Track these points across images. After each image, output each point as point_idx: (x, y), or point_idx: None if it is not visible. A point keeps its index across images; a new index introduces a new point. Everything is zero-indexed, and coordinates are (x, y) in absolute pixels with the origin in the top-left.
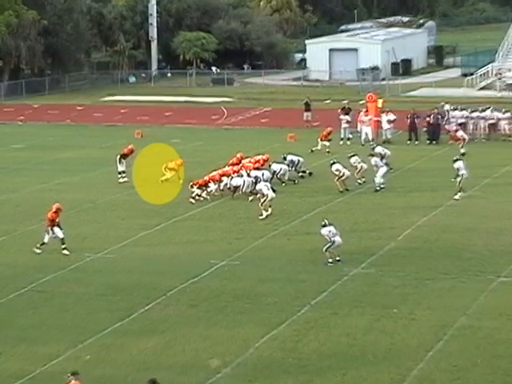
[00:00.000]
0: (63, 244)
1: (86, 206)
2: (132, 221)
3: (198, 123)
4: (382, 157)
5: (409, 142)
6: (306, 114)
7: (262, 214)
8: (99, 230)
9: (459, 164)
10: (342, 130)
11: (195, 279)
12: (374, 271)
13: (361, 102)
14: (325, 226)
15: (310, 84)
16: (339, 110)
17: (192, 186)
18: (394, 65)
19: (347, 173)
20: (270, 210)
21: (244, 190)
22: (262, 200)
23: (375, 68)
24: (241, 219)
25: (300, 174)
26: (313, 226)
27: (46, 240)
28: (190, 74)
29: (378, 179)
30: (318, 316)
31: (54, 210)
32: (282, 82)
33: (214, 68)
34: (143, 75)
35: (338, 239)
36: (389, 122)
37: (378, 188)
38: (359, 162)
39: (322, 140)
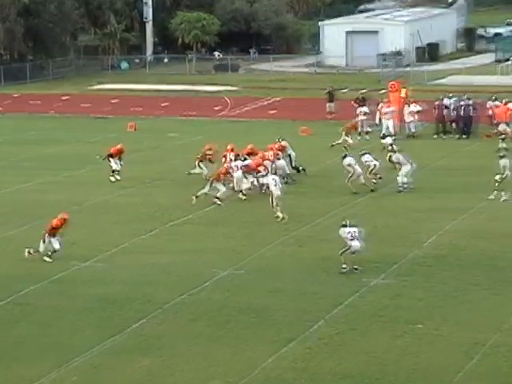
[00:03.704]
0: (50, 253)
1: (71, 208)
2: (124, 225)
3: (198, 115)
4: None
5: (435, 136)
6: (328, 104)
7: (277, 216)
8: (87, 236)
9: (505, 162)
10: (359, 123)
11: (195, 291)
12: (396, 282)
13: (382, 92)
14: (345, 226)
15: (325, 71)
16: (353, 102)
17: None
18: (420, 49)
19: (358, 170)
20: (279, 210)
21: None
22: (271, 198)
23: (398, 53)
24: (246, 223)
25: (298, 170)
26: (327, 231)
27: (41, 249)
28: (189, 60)
29: (401, 178)
30: (332, 332)
31: (61, 218)
32: (293, 68)
33: (216, 53)
34: (137, 61)
35: (355, 244)
36: (412, 113)
37: (401, 188)
38: (371, 160)
39: (347, 134)
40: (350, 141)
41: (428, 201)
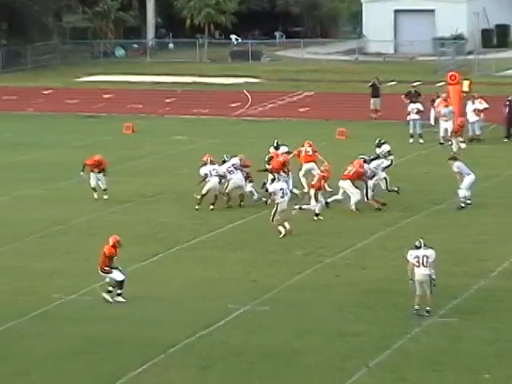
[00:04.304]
0: (120, 289)
1: (54, 228)
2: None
3: (211, 114)
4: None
5: (506, 139)
6: (373, 100)
7: (280, 232)
8: (73, 263)
9: None
10: (411, 124)
11: (207, 331)
12: (457, 321)
13: (439, 85)
14: (418, 247)
15: (369, 59)
16: (403, 96)
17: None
18: (486, 32)
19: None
20: (285, 227)
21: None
22: (273, 210)
23: (459, 37)
24: (271, 247)
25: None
26: (371, 258)
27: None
28: (200, 46)
29: (464, 192)
30: (378, 382)
31: (110, 243)
32: (329, 56)
33: (233, 37)
34: (135, 47)
35: (421, 272)
36: (477, 112)
37: (462, 204)
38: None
39: (456, 135)
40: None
41: (496, 219)
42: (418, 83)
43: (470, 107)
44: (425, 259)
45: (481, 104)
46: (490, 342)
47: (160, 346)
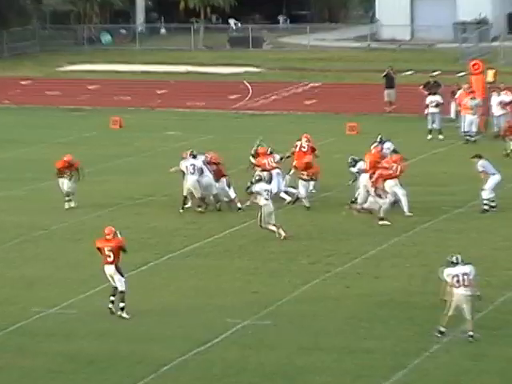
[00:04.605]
0: (122, 302)
1: (34, 233)
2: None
3: (207, 107)
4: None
5: None
6: (387, 92)
7: (279, 234)
8: (55, 272)
9: None
10: (430, 117)
11: (202, 348)
12: (481, 337)
13: (460, 75)
14: (454, 263)
15: (382, 46)
16: (421, 88)
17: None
18: None
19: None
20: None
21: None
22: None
23: (482, 22)
24: (273, 254)
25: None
26: (384, 266)
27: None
28: (195, 31)
29: (487, 193)
30: None
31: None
32: (338, 43)
33: (232, 21)
34: (123, 32)
35: (461, 292)
36: (503, 105)
37: (486, 207)
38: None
39: (506, 136)
40: None
41: None
42: (437, 73)
43: (494, 100)
44: (465, 278)
45: (507, 96)
46: None
47: (151, 365)
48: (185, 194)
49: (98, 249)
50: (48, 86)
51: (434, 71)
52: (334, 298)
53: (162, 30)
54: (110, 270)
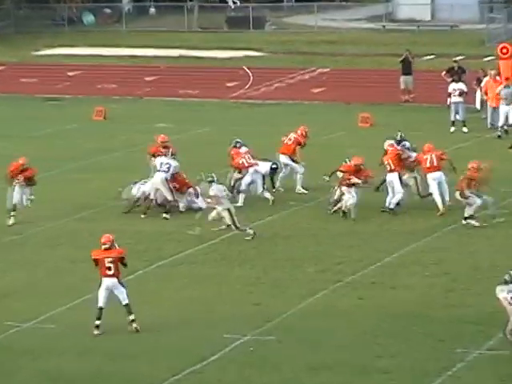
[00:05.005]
0: (131, 314)
1: (6, 238)
2: (87, 265)
3: (202, 95)
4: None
5: None
6: (403, 78)
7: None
8: (31, 282)
9: None
10: (453, 107)
11: (197, 366)
12: (510, 353)
13: (487, 59)
14: (508, 282)
15: (399, 27)
16: (444, 74)
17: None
18: None
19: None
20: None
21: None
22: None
23: None
24: (277, 262)
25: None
26: (401, 275)
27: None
28: (189, 11)
29: None
30: None
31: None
32: (350, 23)
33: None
34: (108, 12)
35: None
36: None
37: None
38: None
39: None
40: None
41: None
42: (460, 58)
43: None
44: None
45: None
46: None
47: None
48: (152, 195)
49: (95, 260)
50: (23, 73)
51: (458, 55)
52: (344, 310)
53: (152, 10)
54: (110, 283)
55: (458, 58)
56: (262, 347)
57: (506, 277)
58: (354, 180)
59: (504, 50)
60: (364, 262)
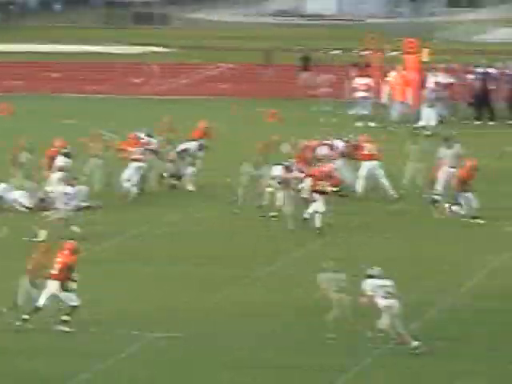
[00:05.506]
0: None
1: None
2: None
3: (108, 91)
4: None
5: (477, 122)
6: (303, 74)
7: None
8: None
9: None
10: (359, 102)
11: (104, 365)
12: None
13: (391, 54)
14: (371, 276)
15: (305, 22)
16: (349, 69)
17: None
18: None
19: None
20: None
21: None
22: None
23: None
24: (182, 259)
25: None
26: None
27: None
28: (93, 5)
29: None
30: None
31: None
32: (255, 18)
33: None
34: (10, 8)
35: (388, 304)
36: (440, 87)
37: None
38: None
39: None
40: None
41: (467, 223)
42: (366, 52)
43: (430, 81)
44: (390, 289)
45: (444, 78)
46: (459, 375)
47: (44, 382)
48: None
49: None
50: None
51: (363, 50)
52: (252, 307)
53: (57, 6)
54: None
55: (363, 53)
56: (170, 345)
57: (370, 270)
58: (329, 188)
59: (410, 45)
60: (272, 257)
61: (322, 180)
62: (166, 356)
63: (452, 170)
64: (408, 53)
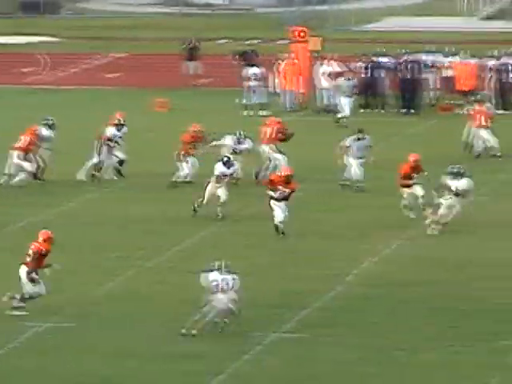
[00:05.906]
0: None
1: None
2: None
3: None
4: None
5: (362, 110)
6: (190, 64)
7: None
8: None
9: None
10: (248, 91)
11: None
12: (309, 336)
13: (282, 42)
14: (213, 270)
15: (195, 11)
16: (237, 57)
17: None
18: None
19: None
20: None
21: None
22: None
23: None
24: (80, 248)
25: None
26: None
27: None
28: None
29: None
30: None
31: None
32: (146, 8)
33: None
34: None
35: (219, 298)
36: (329, 76)
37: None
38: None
39: None
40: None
41: (355, 211)
42: (256, 41)
43: (318, 70)
44: (229, 284)
45: (333, 67)
46: (340, 361)
47: None
48: None
49: None
50: None
51: (253, 39)
52: (145, 295)
53: None
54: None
55: (252, 42)
56: (62, 334)
57: (214, 264)
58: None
59: (299, 34)
60: (164, 247)
61: None
62: (57, 346)
63: (360, 160)
64: (298, 42)
